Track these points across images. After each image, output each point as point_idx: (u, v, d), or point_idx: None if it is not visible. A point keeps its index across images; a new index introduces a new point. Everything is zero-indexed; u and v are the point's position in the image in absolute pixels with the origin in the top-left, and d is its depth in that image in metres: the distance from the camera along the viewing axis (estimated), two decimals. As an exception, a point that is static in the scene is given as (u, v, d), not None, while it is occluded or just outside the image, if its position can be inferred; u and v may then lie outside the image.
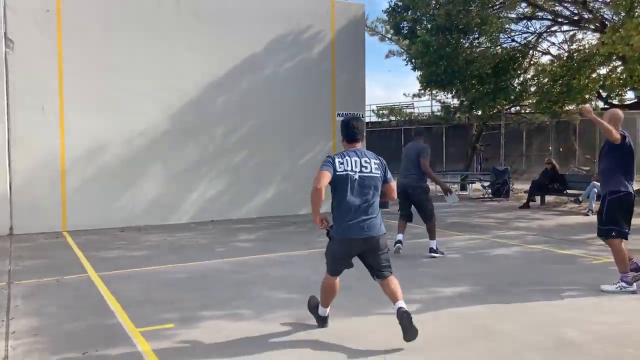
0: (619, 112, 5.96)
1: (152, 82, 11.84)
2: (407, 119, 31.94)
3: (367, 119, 15.94)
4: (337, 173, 4.48)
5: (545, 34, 17.80)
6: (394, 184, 4.75)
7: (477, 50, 17.04)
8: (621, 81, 15.28)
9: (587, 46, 15.92)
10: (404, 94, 77.62)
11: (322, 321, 4.87)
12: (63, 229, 11.01)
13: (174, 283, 6.61)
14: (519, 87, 17.92)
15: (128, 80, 11.58)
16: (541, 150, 24.88)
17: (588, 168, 20.01)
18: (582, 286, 6.14)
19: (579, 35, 17.21)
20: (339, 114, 14.03)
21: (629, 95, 18.22)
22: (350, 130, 4.65)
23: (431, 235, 8.01)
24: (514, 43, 17.71)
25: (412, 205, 8.26)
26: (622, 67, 15.21)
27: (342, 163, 4.50)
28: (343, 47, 14.05)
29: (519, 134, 25.61)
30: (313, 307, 4.96)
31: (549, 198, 15.11)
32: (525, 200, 14.56)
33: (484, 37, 16.70)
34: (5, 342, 4.60)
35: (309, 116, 13.63)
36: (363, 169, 4.52)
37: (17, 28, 10.59)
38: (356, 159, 4.54)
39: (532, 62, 18.19)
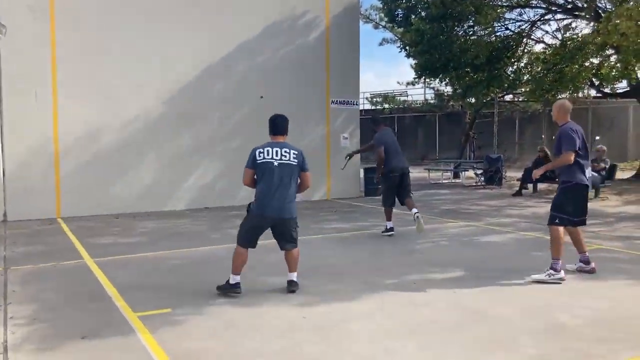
0: (567, 102, 6.15)
1: (147, 67, 11.80)
2: (400, 106, 31.96)
3: (360, 107, 15.92)
4: (257, 161, 5.41)
5: (539, 22, 17.82)
6: (309, 173, 5.61)
7: (471, 38, 17.05)
8: (615, 71, 15.36)
9: (580, 35, 15.96)
10: (398, 82, 77.42)
11: (234, 287, 5.43)
12: (57, 215, 11.00)
13: (170, 269, 6.65)
14: (512, 75, 17.97)
15: (122, 65, 11.54)
16: (534, 138, 25.01)
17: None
18: (573, 272, 6.22)
19: (573, 24, 17.25)
20: (333, 101, 14.05)
21: (622, 84, 18.31)
22: (274, 126, 5.63)
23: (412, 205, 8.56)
24: (508, 31, 17.73)
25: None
26: (616, 57, 15.28)
27: (261, 153, 5.43)
28: (338, 34, 14.03)
29: (512, 122, 25.72)
30: (222, 287, 5.49)
31: (541, 186, 15.21)
32: (517, 188, 14.66)
33: (478, 27, 16.69)
34: (4, 327, 4.63)
35: (304, 103, 13.63)
36: (282, 157, 5.38)
37: (9, 13, 10.49)
38: (277, 149, 5.41)
39: (525, 51, 18.23)
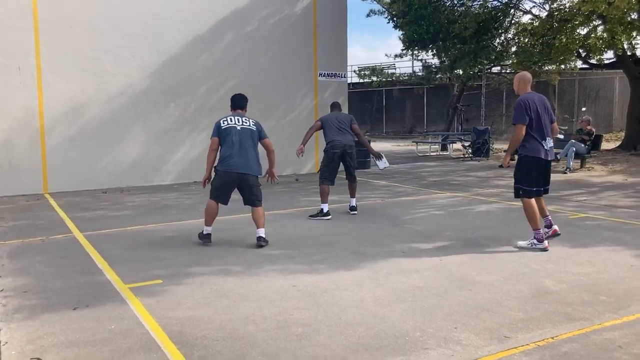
0: (527, 74, 6.21)
1: (132, 40, 11.64)
2: (388, 79, 31.83)
3: (348, 80, 15.86)
4: (222, 128, 6.17)
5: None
6: (269, 140, 6.37)
7: (459, 9, 16.95)
8: (602, 41, 15.37)
9: (567, 5, 15.91)
10: (386, 55, 77.08)
11: (206, 237, 6.33)
12: (44, 190, 10.93)
13: (160, 241, 6.67)
14: (499, 47, 17.94)
15: (106, 38, 11.37)
16: (521, 110, 25.04)
17: (566, 127, 20.27)
18: (559, 239, 6.33)
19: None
20: (321, 74, 13.96)
21: (608, 55, 18.35)
22: (234, 101, 6.45)
23: (355, 194, 8.31)
24: (496, 2, 17.65)
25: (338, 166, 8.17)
26: (602, 27, 15.28)
27: (225, 121, 6.23)
28: (325, 5, 13.89)
29: (499, 94, 25.72)
30: (198, 235, 6.44)
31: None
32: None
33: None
34: (-6, 299, 4.65)
35: (292, 75, 13.55)
36: (243, 123, 6.23)
37: (-11, -15, 10.27)
38: (238, 117, 6.27)
39: (513, 22, 18.17)
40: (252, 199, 6.24)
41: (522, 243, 6.06)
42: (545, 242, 5.94)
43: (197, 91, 12.48)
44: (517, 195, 6.11)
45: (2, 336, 3.86)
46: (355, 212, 8.17)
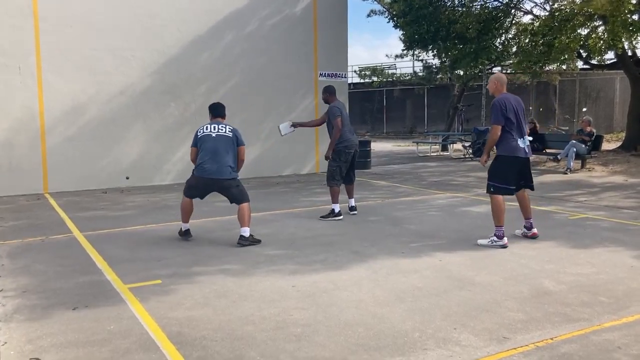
0: (503, 76, 6.40)
1: (132, 39, 11.64)
2: (389, 80, 31.82)
3: (349, 80, 15.86)
4: (199, 136, 6.48)
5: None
6: (244, 147, 6.57)
7: (460, 9, 16.94)
8: (602, 42, 15.35)
9: (567, 5, 15.89)
10: (386, 55, 77.16)
11: (185, 234, 6.66)
12: (44, 190, 10.94)
13: (160, 241, 6.67)
14: (500, 47, 17.92)
15: (106, 38, 11.38)
16: (521, 110, 25.05)
17: (567, 128, 20.27)
18: (559, 240, 6.34)
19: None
20: (321, 74, 13.96)
21: (609, 55, 18.34)
22: (213, 110, 6.75)
23: (353, 194, 8.28)
24: (497, 2, 17.63)
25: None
26: (603, 28, 15.26)
27: (201, 129, 6.53)
28: (325, 5, 13.89)
29: (500, 94, 25.72)
30: (178, 232, 6.75)
31: (528, 157, 15.32)
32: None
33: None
34: (-6, 299, 4.65)
35: (292, 75, 13.55)
36: (219, 130, 6.44)
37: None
38: (215, 125, 6.51)
39: (513, 22, 18.16)
40: (235, 199, 6.49)
41: (482, 241, 6.16)
42: (505, 239, 6.03)
43: (197, 91, 12.48)
44: (488, 191, 6.24)
45: (2, 336, 3.86)
46: (355, 212, 8.16)
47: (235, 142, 6.49)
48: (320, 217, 7.89)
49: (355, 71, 33.08)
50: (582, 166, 13.35)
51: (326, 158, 7.98)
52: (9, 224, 7.94)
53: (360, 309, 4.24)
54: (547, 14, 16.53)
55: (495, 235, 6.09)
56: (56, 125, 11.04)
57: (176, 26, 12.09)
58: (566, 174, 12.58)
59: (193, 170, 6.52)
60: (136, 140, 11.87)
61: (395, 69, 32.82)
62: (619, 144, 17.45)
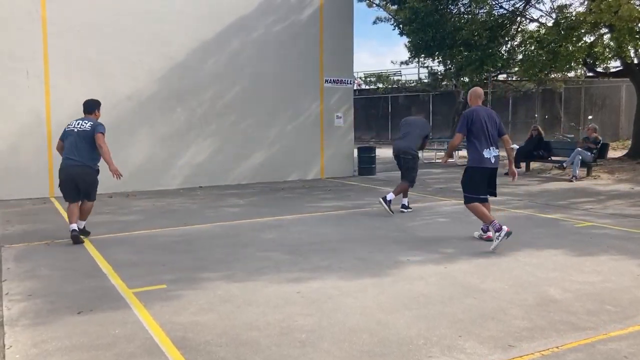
0: (479, 90, 6.84)
1: (139, 44, 11.70)
2: (394, 86, 31.86)
3: (354, 86, 15.89)
4: (65, 132, 6.99)
5: (533, 1, 17.72)
6: (100, 134, 6.82)
7: (465, 17, 16.96)
8: (609, 50, 15.34)
9: (574, 13, 15.89)
10: (392, 62, 77.31)
11: (71, 232, 6.77)
12: (50, 194, 10.98)
13: (165, 246, 6.68)
14: (506, 54, 17.91)
15: (114, 42, 11.44)
16: (527, 117, 25.02)
17: (573, 135, 20.21)
18: (565, 248, 6.31)
19: (567, 2, 17.16)
20: (327, 80, 13.99)
21: (614, 63, 18.31)
22: (83, 106, 7.20)
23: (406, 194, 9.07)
24: (502, 10, 17.65)
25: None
26: (610, 36, 15.24)
27: (67, 126, 7.02)
28: (331, 12, 13.93)
29: (506, 101, 25.70)
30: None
31: (534, 164, 15.29)
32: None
33: (473, 5, 16.58)
34: (-1, 302, 4.66)
35: (298, 81, 13.59)
36: (82, 126, 6.89)
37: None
38: (80, 121, 6.98)
39: (519, 30, 18.16)
40: (84, 195, 6.89)
41: (493, 244, 6.24)
42: (504, 227, 6.17)
43: (204, 96, 12.52)
44: (465, 201, 6.64)
45: (7, 339, 3.87)
46: (407, 210, 8.84)
47: (92, 132, 6.82)
48: (381, 199, 8.76)
49: (360, 77, 33.16)
50: (588, 174, 13.30)
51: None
52: (15, 227, 7.97)
53: (365, 316, 4.23)
54: (552, 21, 16.53)
55: (495, 231, 6.25)
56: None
57: (183, 32, 12.15)
58: (572, 181, 12.54)
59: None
60: (142, 145, 11.91)
61: (401, 75, 32.88)
62: (624, 151, 17.40)
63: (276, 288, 4.95)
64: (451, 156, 6.73)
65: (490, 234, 6.55)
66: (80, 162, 6.73)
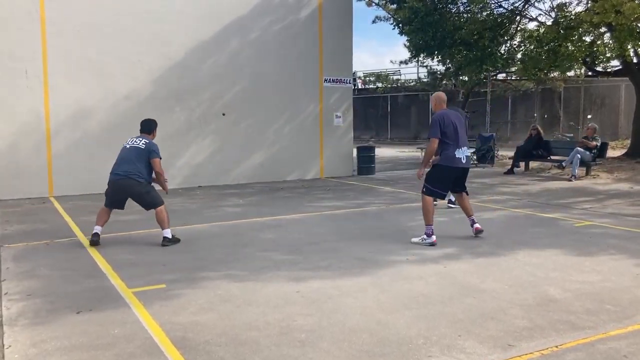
0: (442, 94, 6.94)
1: (138, 44, 11.69)
2: (393, 86, 31.86)
3: (359, 85, 15.87)
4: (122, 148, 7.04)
5: (532, 0, 17.71)
6: (156, 160, 6.91)
7: (465, 16, 16.95)
8: (609, 49, 15.34)
9: (574, 13, 15.88)
10: (391, 61, 77.44)
11: (93, 235, 6.76)
12: (49, 194, 10.97)
13: (164, 246, 6.66)
14: (505, 53, 17.91)
15: (113, 42, 11.43)
16: (526, 117, 25.06)
17: (572, 135, 20.22)
18: (564, 247, 6.31)
19: (566, 0, 17.14)
20: (326, 80, 13.99)
21: (614, 63, 18.31)
22: (141, 125, 7.25)
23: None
24: (501, 9, 17.64)
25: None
26: (609, 35, 15.24)
27: (125, 143, 7.07)
28: (331, 11, 13.93)
29: (505, 100, 25.71)
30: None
31: (533, 164, 15.28)
32: (509, 166, 14.73)
33: (472, 4, 16.57)
34: (-1, 302, 4.66)
35: (297, 81, 13.58)
36: (133, 143, 6.93)
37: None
38: (135, 139, 7.02)
39: (518, 29, 18.15)
40: (143, 204, 6.91)
41: (414, 239, 6.59)
42: (433, 237, 6.47)
43: (203, 96, 12.51)
44: (422, 191, 6.75)
45: (6, 339, 3.87)
46: (455, 206, 8.74)
47: (147, 154, 6.86)
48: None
49: (359, 77, 33.14)
50: (587, 173, 13.30)
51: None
52: (14, 227, 7.97)
53: (365, 315, 4.23)
54: (552, 21, 16.52)
55: (425, 233, 6.51)
56: (62, 129, 11.09)
57: (183, 32, 12.14)
58: (571, 181, 12.54)
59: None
60: (141, 145, 11.87)
61: (400, 75, 32.87)
62: (624, 151, 17.40)
63: (276, 288, 4.95)
64: (428, 165, 6.83)
65: (478, 225, 6.83)
66: (124, 174, 6.72)
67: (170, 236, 6.74)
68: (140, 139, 7.00)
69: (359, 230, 7.46)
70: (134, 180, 6.72)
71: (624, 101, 24.13)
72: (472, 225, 6.87)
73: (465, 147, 6.67)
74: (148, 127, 7.22)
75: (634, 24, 12.99)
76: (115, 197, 6.84)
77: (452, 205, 8.98)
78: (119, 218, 8.61)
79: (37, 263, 5.92)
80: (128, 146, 6.93)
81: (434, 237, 6.49)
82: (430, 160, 6.80)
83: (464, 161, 6.65)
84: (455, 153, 6.57)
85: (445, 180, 6.68)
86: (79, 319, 4.25)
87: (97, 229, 6.77)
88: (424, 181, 6.76)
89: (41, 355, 3.61)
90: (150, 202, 6.83)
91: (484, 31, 16.06)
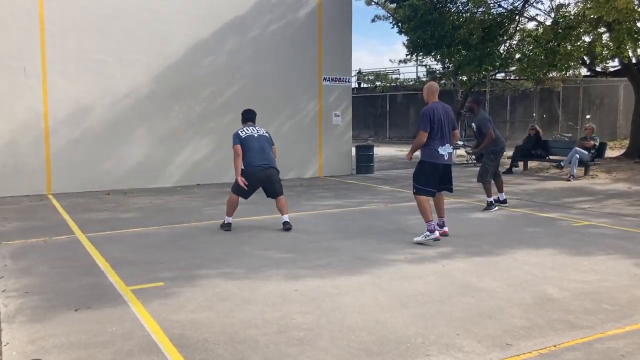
0: (435, 84, 6.89)
1: (137, 43, 11.68)
2: (393, 85, 31.86)
3: (353, 84, 15.88)
4: (242, 137, 7.20)
5: (531, 0, 17.72)
6: (274, 147, 7.46)
7: (464, 15, 16.95)
8: (607, 49, 15.34)
9: (572, 12, 15.88)
10: (390, 60, 77.49)
11: (227, 226, 7.36)
12: (48, 192, 10.96)
13: (162, 244, 6.66)
14: (504, 53, 17.91)
15: (112, 41, 11.41)
16: (525, 116, 25.06)
17: (570, 134, 20.24)
18: (563, 247, 6.32)
19: (564, 1, 17.15)
20: (325, 78, 13.98)
21: (612, 63, 18.32)
22: (245, 116, 7.62)
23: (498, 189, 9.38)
24: (501, 9, 17.64)
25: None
26: (608, 36, 15.24)
27: (243, 131, 7.29)
28: (330, 10, 13.92)
29: (504, 100, 25.72)
30: (222, 225, 7.45)
31: (531, 164, 15.30)
32: (508, 166, 14.73)
33: (471, 4, 16.57)
34: (-4, 299, 4.65)
35: (296, 79, 13.57)
36: (258, 132, 7.32)
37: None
38: (252, 128, 7.37)
39: (518, 28, 18.15)
40: (274, 193, 7.37)
41: (417, 238, 6.55)
42: (437, 232, 6.49)
43: (202, 94, 12.50)
44: (413, 192, 6.82)
45: (4, 337, 3.86)
46: (506, 204, 9.14)
47: (271, 142, 7.42)
48: (483, 209, 8.82)
49: (360, 73, 33.10)
50: (585, 173, 13.32)
51: (471, 154, 8.82)
52: (12, 224, 7.96)
53: (363, 314, 4.23)
54: (551, 20, 16.52)
55: (427, 230, 6.49)
56: (60, 127, 11.07)
57: (182, 30, 12.12)
58: (569, 180, 12.55)
59: (242, 170, 7.11)
60: (140, 143, 11.89)
61: (399, 74, 32.86)
62: (622, 151, 17.42)
63: (274, 286, 4.94)
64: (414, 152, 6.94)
65: (446, 229, 6.88)
66: (268, 164, 7.19)
67: (230, 222, 7.33)
68: (257, 129, 7.39)
69: (357, 229, 7.46)
70: (275, 169, 7.28)
71: (623, 101, 24.16)
72: (441, 227, 6.87)
73: (449, 144, 6.69)
74: (255, 115, 7.64)
75: (633, 23, 12.99)
76: (255, 187, 7.21)
77: (502, 205, 9.12)
78: (116, 216, 8.62)
79: (35, 260, 5.91)
80: (257, 135, 7.26)
81: (437, 233, 6.49)
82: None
83: (446, 158, 6.68)
84: (439, 150, 6.59)
85: (429, 177, 6.69)
86: (77, 316, 4.24)
87: (229, 219, 7.33)
88: (412, 182, 6.84)
89: (39, 353, 3.60)
90: (280, 189, 7.36)
91: (482, 31, 16.05)
